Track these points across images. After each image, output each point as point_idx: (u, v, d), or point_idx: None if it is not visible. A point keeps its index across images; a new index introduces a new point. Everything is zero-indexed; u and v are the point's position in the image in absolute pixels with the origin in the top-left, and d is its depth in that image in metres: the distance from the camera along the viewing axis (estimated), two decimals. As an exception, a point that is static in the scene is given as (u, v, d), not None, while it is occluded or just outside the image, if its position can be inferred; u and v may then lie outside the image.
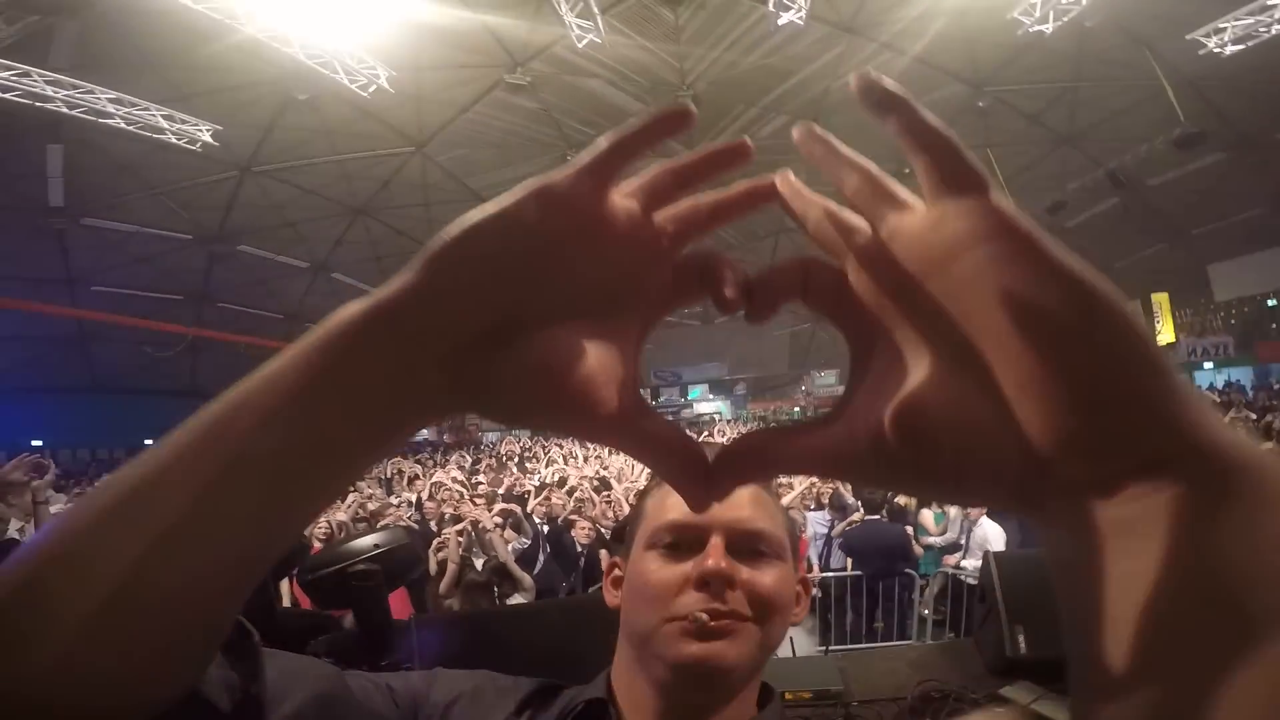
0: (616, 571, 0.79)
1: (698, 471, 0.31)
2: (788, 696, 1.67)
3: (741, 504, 0.69)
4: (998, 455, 0.25)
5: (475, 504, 6.45)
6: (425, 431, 34.01)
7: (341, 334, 0.30)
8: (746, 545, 0.69)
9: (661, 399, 33.65)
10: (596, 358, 0.31)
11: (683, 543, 0.69)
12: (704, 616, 0.64)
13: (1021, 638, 2.01)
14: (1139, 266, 21.45)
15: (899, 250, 0.28)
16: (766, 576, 0.68)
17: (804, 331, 30.23)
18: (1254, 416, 9.43)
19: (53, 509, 4.01)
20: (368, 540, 1.96)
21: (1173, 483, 0.23)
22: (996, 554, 2.09)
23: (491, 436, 30.44)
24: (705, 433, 18.37)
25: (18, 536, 3.84)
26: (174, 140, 12.30)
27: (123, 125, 11.43)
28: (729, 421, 30.47)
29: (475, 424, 34.30)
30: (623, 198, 0.32)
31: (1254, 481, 0.23)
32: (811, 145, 0.32)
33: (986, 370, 0.25)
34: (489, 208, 0.31)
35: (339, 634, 1.98)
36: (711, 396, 33.74)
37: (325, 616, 2.11)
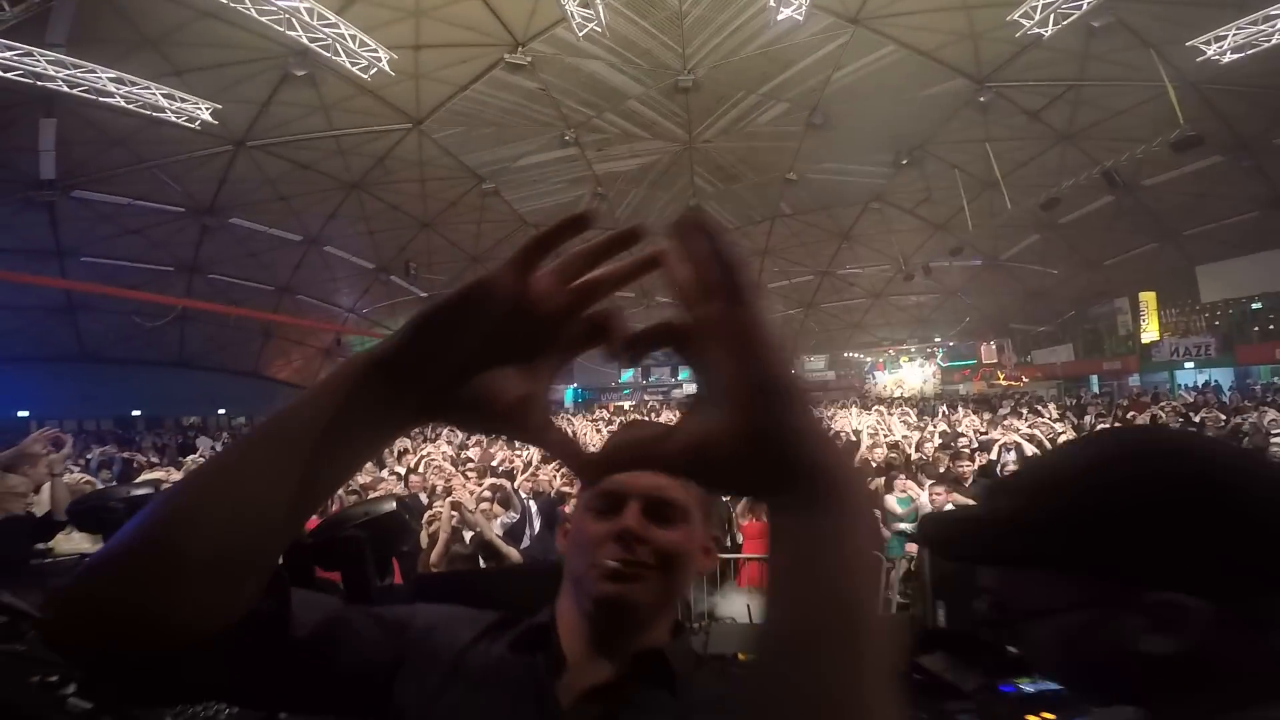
0: (567, 525, 0.95)
1: (581, 461, 0.45)
2: (741, 657, 1.92)
3: (659, 477, 0.83)
4: (741, 484, 0.42)
5: (467, 478, 6.51)
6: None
7: (353, 373, 0.46)
8: (658, 510, 0.85)
9: (652, 379, 33.85)
10: (520, 390, 0.46)
11: (609, 506, 0.86)
12: (617, 565, 0.82)
13: (942, 612, 2.16)
14: (1129, 265, 21.69)
15: (695, 331, 0.40)
16: (671, 536, 0.85)
17: (795, 317, 30.41)
18: (1224, 418, 9.60)
19: (66, 480, 4.18)
20: (357, 509, 2.14)
21: (795, 501, 0.39)
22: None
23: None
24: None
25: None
26: (173, 119, 12.07)
27: (123, 104, 11.20)
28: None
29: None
30: (545, 276, 0.45)
31: (842, 497, 0.39)
32: (686, 231, 0.40)
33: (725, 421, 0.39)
34: (449, 295, 0.44)
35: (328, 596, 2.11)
36: (702, 378, 33.90)
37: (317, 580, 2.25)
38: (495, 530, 4.90)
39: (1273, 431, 7.13)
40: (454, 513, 4.59)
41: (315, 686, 0.71)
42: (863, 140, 19.72)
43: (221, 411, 25.16)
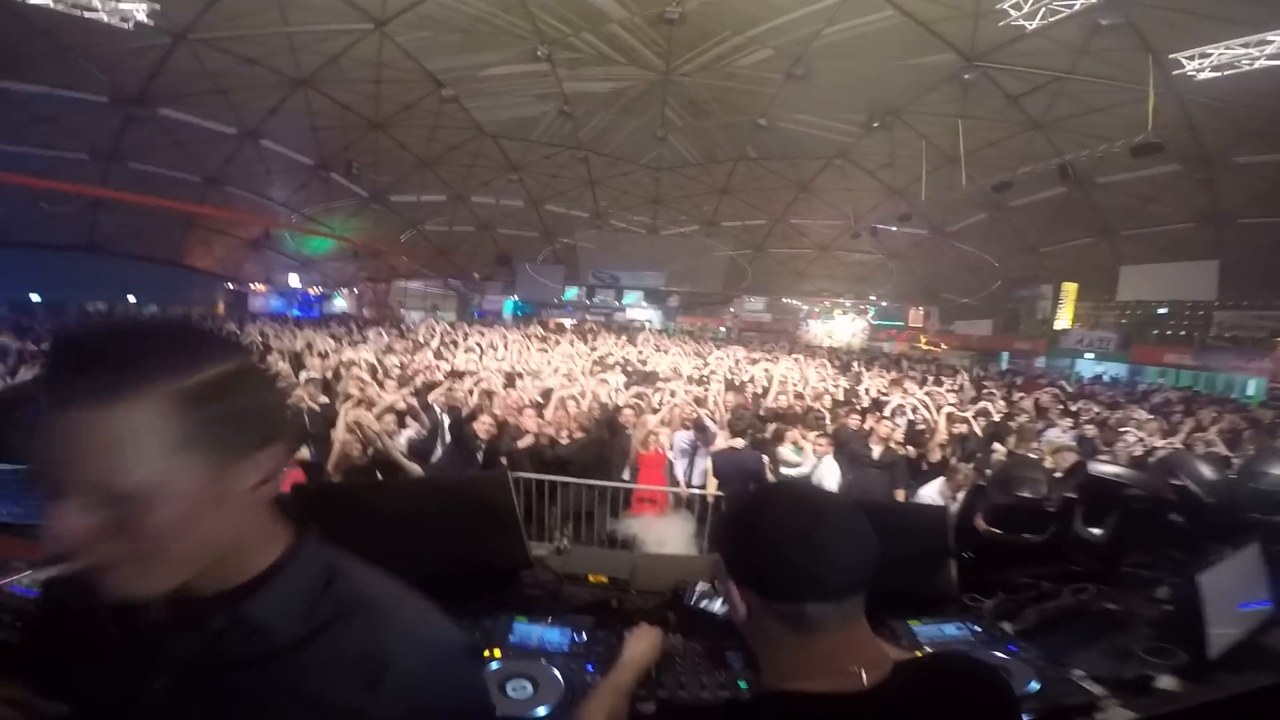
0: None
1: None
2: (591, 579, 2.16)
3: None
4: None
5: (383, 387, 6.27)
6: (343, 302, 32.62)
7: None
8: None
9: (595, 299, 33.73)
10: None
11: None
12: None
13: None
14: (1062, 255, 23.06)
15: None
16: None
17: (744, 256, 30.73)
18: (1096, 409, 10.27)
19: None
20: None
21: None
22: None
23: (415, 316, 29.80)
24: (631, 338, 18.89)
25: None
26: (104, 19, 10.34)
27: (50, 4, 9.48)
28: (657, 331, 31.21)
29: (399, 300, 33.21)
30: None
31: None
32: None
33: None
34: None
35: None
36: (645, 304, 34.10)
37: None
38: (399, 444, 4.77)
39: (1121, 429, 7.82)
40: (353, 422, 4.33)
41: None
42: (840, 98, 19.52)
43: (131, 299, 23.33)
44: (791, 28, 16.41)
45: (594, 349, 13.30)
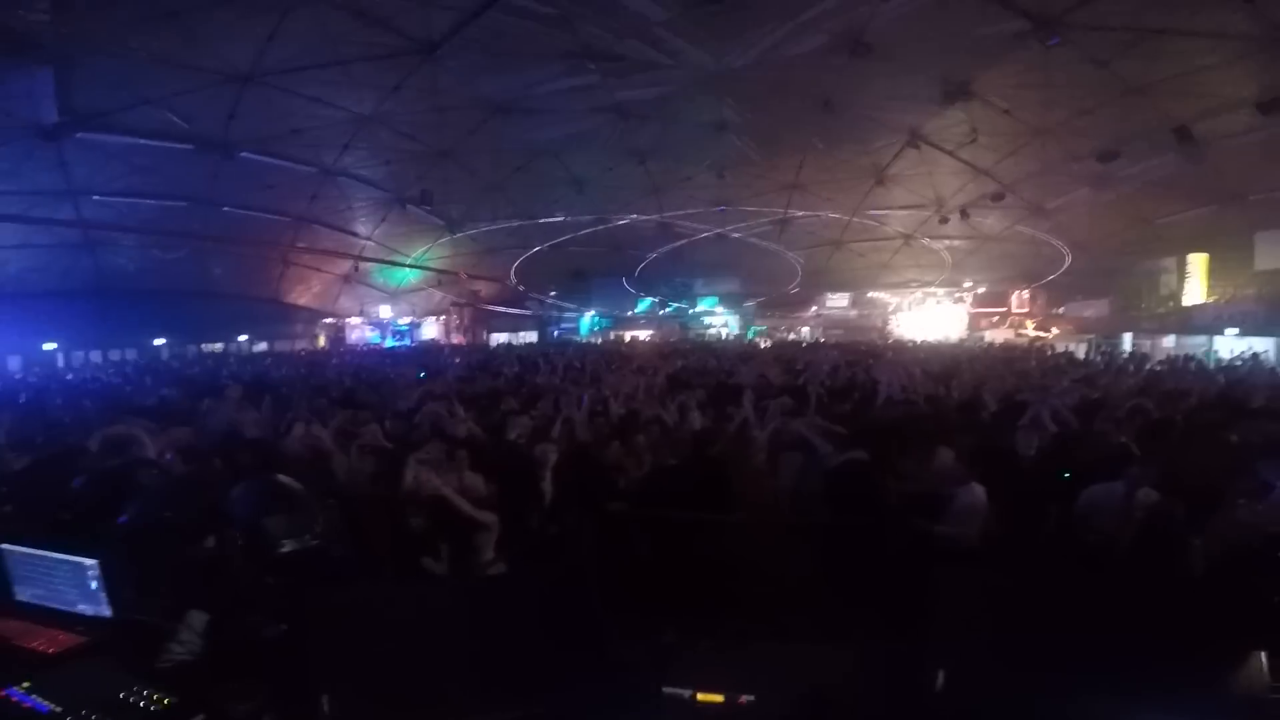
0: None
1: None
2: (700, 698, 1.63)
3: None
4: None
5: None
6: (432, 329, 34.01)
7: None
8: None
9: (670, 308, 33.41)
10: None
11: None
12: None
13: None
14: (1183, 226, 20.45)
15: None
16: None
17: (820, 252, 29.47)
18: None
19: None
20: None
21: None
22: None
23: (500, 338, 30.68)
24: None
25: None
26: None
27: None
28: (735, 335, 30.49)
29: (485, 324, 34.22)
30: None
31: None
32: None
33: None
34: None
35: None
36: (721, 310, 33.43)
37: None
38: None
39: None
40: None
41: None
42: (906, 75, 18.30)
43: (243, 338, 25.50)
44: (845, 6, 15.54)
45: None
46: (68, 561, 1.91)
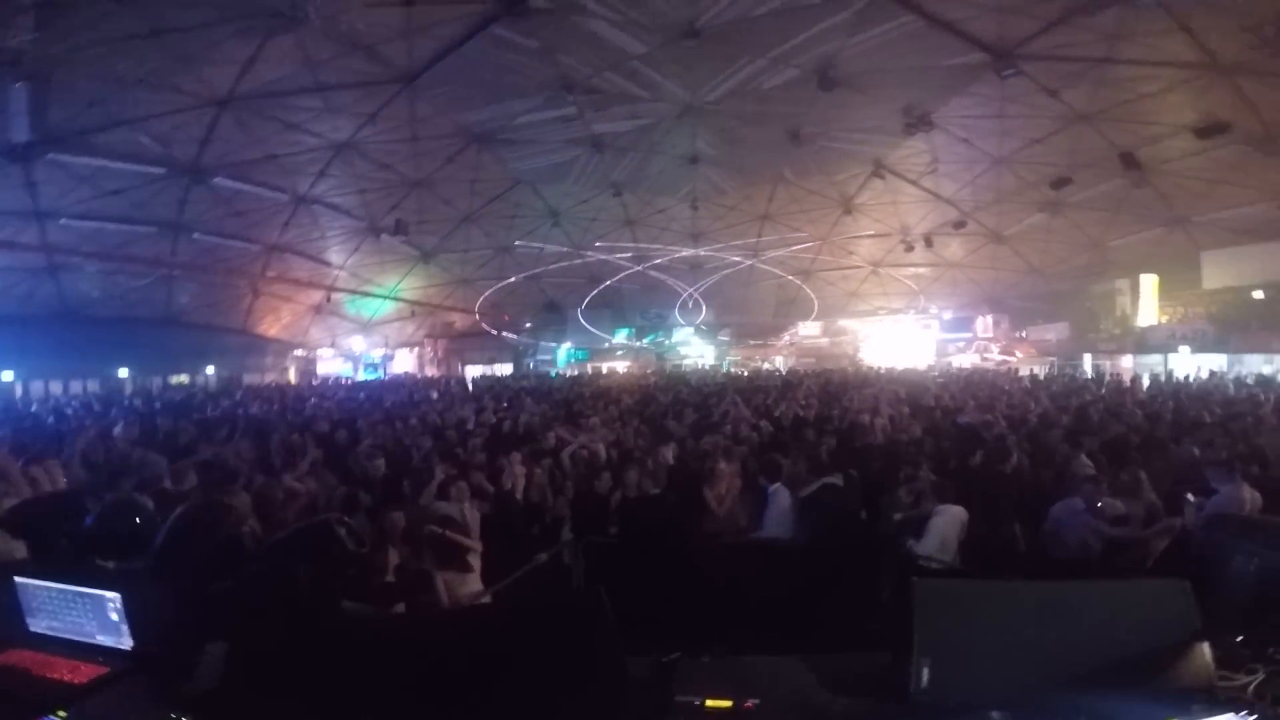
0: None
1: None
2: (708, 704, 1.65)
3: None
4: None
5: None
6: (406, 361, 33.58)
7: None
8: None
9: (646, 340, 33.62)
10: None
11: None
12: None
13: None
14: (1133, 249, 21.49)
15: None
16: None
17: (790, 284, 30.15)
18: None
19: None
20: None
21: None
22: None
23: (474, 371, 30.39)
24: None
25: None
26: None
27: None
28: (710, 366, 30.70)
29: (459, 357, 33.98)
30: None
31: None
32: None
33: None
34: None
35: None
36: (694, 340, 33.74)
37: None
38: None
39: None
40: None
41: None
42: (871, 108, 19.12)
43: (210, 371, 24.80)
44: (813, 43, 16.27)
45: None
46: (88, 595, 1.91)
